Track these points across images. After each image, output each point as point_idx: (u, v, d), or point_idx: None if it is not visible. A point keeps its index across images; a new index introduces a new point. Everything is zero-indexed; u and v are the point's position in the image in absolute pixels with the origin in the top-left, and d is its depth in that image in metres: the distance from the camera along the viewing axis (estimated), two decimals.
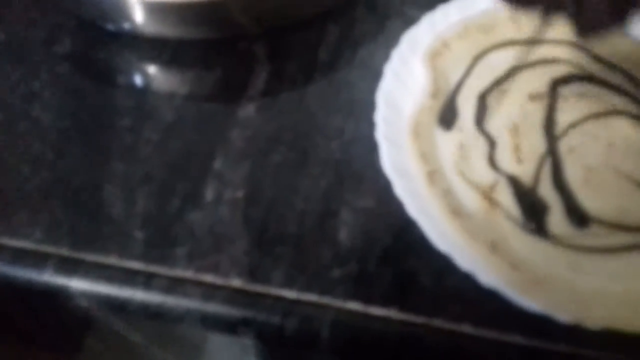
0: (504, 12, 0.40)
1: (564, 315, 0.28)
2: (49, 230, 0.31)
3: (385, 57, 0.36)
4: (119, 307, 0.29)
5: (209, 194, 0.32)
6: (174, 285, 0.29)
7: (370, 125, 0.34)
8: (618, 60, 0.38)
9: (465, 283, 0.29)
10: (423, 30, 0.38)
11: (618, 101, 0.36)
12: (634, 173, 0.34)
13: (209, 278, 0.30)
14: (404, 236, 0.31)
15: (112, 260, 0.30)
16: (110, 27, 0.39)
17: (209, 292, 0.29)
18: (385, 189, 0.32)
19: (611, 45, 0.39)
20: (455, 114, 0.36)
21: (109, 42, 0.39)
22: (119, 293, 0.29)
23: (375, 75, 0.36)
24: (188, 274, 0.30)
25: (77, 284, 0.30)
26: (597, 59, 0.38)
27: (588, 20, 0.31)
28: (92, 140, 0.35)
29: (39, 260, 0.30)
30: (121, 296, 0.29)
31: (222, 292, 0.29)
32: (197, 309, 0.29)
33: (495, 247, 0.30)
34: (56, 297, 0.30)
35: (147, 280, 0.29)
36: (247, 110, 0.36)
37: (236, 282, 0.30)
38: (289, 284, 0.30)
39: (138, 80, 0.38)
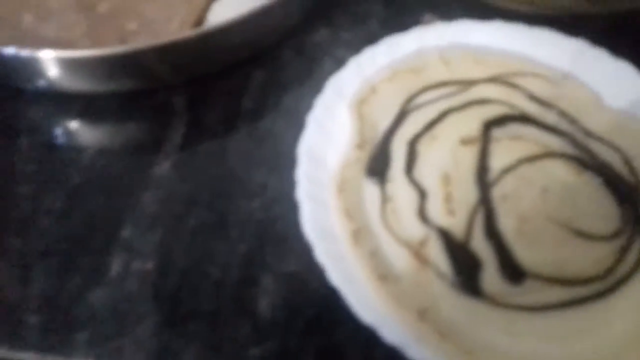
0: (433, 53, 0.38)
1: None
2: None
3: (311, 105, 0.35)
4: None
5: (115, 267, 0.30)
6: None
7: (294, 182, 0.32)
8: (552, 98, 0.37)
9: (395, 355, 0.27)
10: (349, 75, 0.37)
11: (554, 142, 0.35)
12: (570, 220, 0.32)
13: None
14: (330, 305, 0.29)
15: (1, 352, 0.27)
16: (16, 85, 0.36)
17: None
18: (310, 253, 0.30)
19: (546, 84, 0.38)
20: (385, 163, 0.34)
21: (11, 99, 0.36)
22: None
23: (301, 125, 0.34)
24: None
25: None
26: (531, 97, 0.37)
27: None
28: None
29: None
30: None
31: None
32: None
33: (424, 314, 0.28)
34: None
35: None
36: (162, 168, 0.34)
37: None
38: None
39: (41, 141, 0.35)
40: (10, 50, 0.33)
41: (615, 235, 0.32)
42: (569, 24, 0.38)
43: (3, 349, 0.27)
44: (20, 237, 0.31)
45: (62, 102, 0.36)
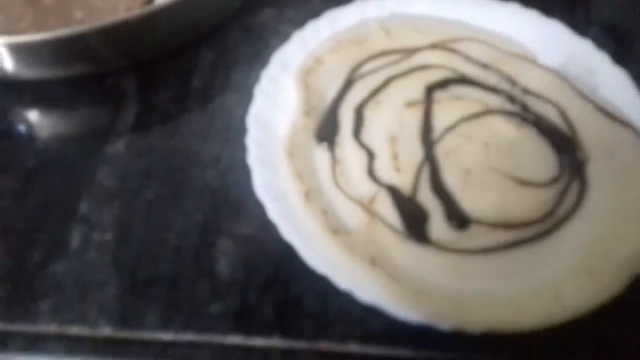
0: (374, 24, 0.40)
1: (445, 323, 0.28)
2: None
3: (258, 79, 0.36)
4: None
5: (75, 240, 0.31)
6: (34, 343, 0.28)
7: (246, 150, 0.33)
8: (491, 61, 0.40)
9: (349, 302, 0.29)
10: (293, 48, 0.38)
11: (493, 100, 0.37)
12: (511, 170, 0.34)
13: (74, 330, 0.28)
14: (285, 261, 0.31)
15: None
16: None
17: (74, 345, 0.28)
18: (264, 215, 0.31)
19: (485, 48, 0.40)
20: (334, 129, 0.36)
21: None
22: None
23: (250, 99, 0.36)
24: (51, 328, 0.28)
25: None
26: (471, 61, 0.39)
27: None
28: None
29: None
30: None
31: (88, 343, 0.28)
32: None
33: (375, 261, 0.30)
34: None
35: (3, 341, 0.27)
36: (116, 147, 0.35)
37: (105, 331, 0.28)
38: (164, 325, 0.29)
39: None
40: None
41: (553, 181, 0.34)
42: None
43: None
44: None
45: (14, 90, 0.37)
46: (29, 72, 0.37)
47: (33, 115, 0.37)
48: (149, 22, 0.37)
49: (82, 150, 0.35)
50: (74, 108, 0.37)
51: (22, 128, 0.36)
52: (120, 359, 0.28)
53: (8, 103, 0.37)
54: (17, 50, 0.36)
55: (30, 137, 0.35)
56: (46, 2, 0.42)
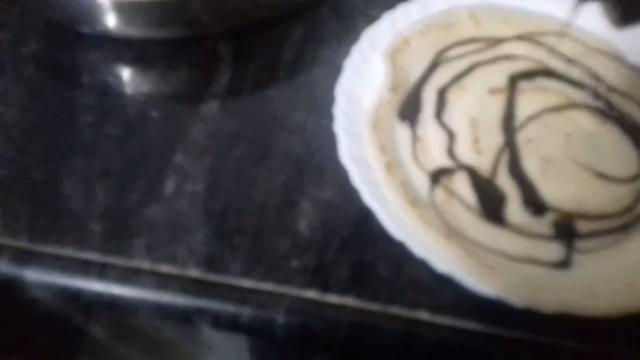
0: (464, 11, 0.41)
1: (518, 300, 0.28)
2: (8, 224, 0.32)
3: (347, 54, 0.37)
4: (72, 297, 0.29)
5: (169, 187, 0.33)
6: (128, 275, 0.29)
7: (331, 119, 0.34)
8: (577, 56, 0.39)
9: (422, 271, 0.30)
10: (383, 27, 0.39)
11: (577, 95, 0.37)
12: (590, 163, 0.34)
13: (165, 268, 0.30)
14: (362, 226, 0.31)
15: (68, 251, 0.30)
16: (76, 28, 0.39)
17: (164, 281, 0.29)
18: (345, 181, 0.32)
19: (572, 43, 0.40)
20: (417, 108, 0.36)
21: (74, 43, 0.39)
22: (72, 283, 0.29)
23: (338, 73, 0.37)
24: (145, 264, 0.30)
25: (32, 275, 0.30)
26: (557, 54, 0.39)
27: (626, 10, 0.32)
28: (53, 137, 0.35)
29: None
30: (74, 286, 0.29)
31: (177, 281, 0.29)
32: (151, 298, 0.29)
33: (451, 235, 0.31)
34: (11, 288, 0.30)
35: (100, 270, 0.29)
36: (210, 107, 0.37)
37: (193, 272, 0.30)
38: (246, 273, 0.30)
39: (102, 79, 0.38)
40: None
41: (633, 178, 0.34)
42: None
43: (71, 250, 0.31)
44: (84, 158, 0.34)
45: (119, 47, 0.39)
46: (134, 31, 0.39)
47: (135, 72, 0.39)
48: None
49: (179, 107, 0.37)
50: (173, 68, 0.38)
51: (125, 82, 0.38)
52: (206, 299, 0.29)
53: (114, 58, 0.39)
54: (124, 9, 0.38)
55: (132, 91, 0.37)
56: None
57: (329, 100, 0.35)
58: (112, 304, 0.29)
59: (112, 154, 0.34)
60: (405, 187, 0.32)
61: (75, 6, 0.38)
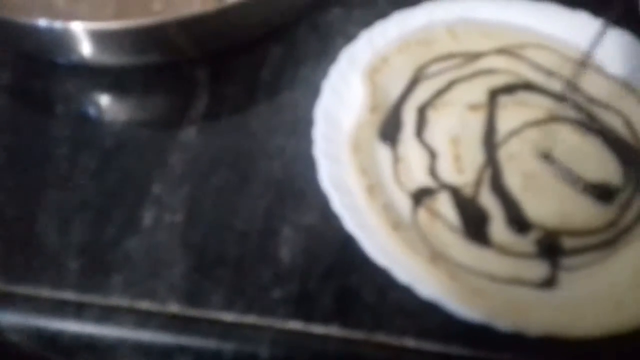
0: (442, 26, 0.40)
1: (504, 323, 0.28)
2: None
3: (326, 74, 0.37)
4: (49, 339, 0.28)
5: (147, 219, 0.32)
6: (106, 314, 0.29)
7: (311, 143, 0.34)
8: (556, 68, 0.39)
9: (407, 296, 0.29)
10: (361, 46, 0.38)
11: (558, 107, 0.37)
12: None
13: (145, 305, 0.29)
14: (346, 252, 0.31)
15: (45, 292, 0.29)
16: (51, 58, 0.39)
17: (144, 319, 0.28)
18: (327, 206, 0.32)
19: (550, 55, 0.40)
20: (397, 127, 0.36)
21: (48, 72, 0.39)
22: (49, 325, 0.29)
23: (316, 93, 0.36)
24: (123, 301, 0.29)
25: (6, 319, 0.29)
26: (537, 67, 0.39)
27: None
28: (26, 171, 0.34)
29: None
30: (51, 328, 0.28)
31: (157, 318, 0.29)
32: (131, 337, 0.28)
33: (435, 258, 0.30)
34: None
35: (77, 310, 0.29)
36: (188, 133, 0.36)
37: (173, 308, 0.29)
38: (228, 306, 0.29)
39: (76, 109, 0.37)
40: (43, 22, 0.36)
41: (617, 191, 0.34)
42: None
43: (47, 290, 0.30)
44: (59, 192, 0.33)
45: (93, 75, 0.39)
46: (109, 58, 0.39)
47: (111, 100, 0.38)
48: (224, 16, 0.38)
49: (156, 135, 0.36)
50: (149, 94, 0.38)
51: (101, 111, 0.38)
52: (187, 336, 0.28)
53: (89, 87, 0.38)
54: (99, 37, 0.37)
55: (108, 119, 0.37)
56: None
57: (309, 122, 0.35)
58: (90, 345, 0.28)
59: (88, 186, 0.33)
60: (388, 211, 0.32)
61: (48, 36, 0.37)
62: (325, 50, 0.41)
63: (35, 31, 0.37)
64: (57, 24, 0.35)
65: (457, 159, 0.34)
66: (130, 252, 0.31)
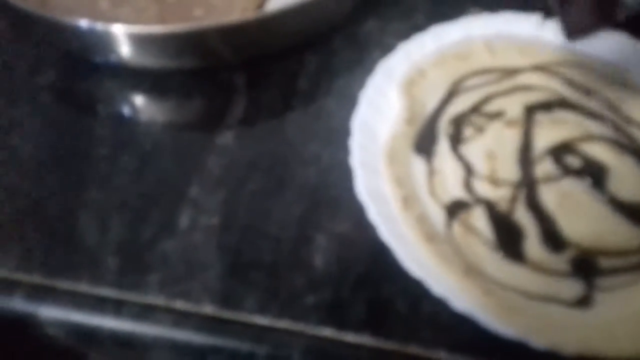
0: (479, 41, 0.41)
1: (538, 341, 0.28)
2: (23, 259, 0.31)
3: (363, 85, 0.37)
4: (87, 335, 0.29)
5: (184, 221, 0.33)
6: (144, 312, 0.29)
7: (347, 152, 0.34)
8: (594, 87, 0.39)
9: (440, 309, 0.29)
10: (398, 59, 0.39)
11: (594, 126, 0.37)
12: (610, 197, 0.34)
13: (180, 305, 0.29)
14: (379, 261, 0.31)
15: (83, 287, 0.30)
16: (93, 58, 0.40)
17: (180, 319, 0.29)
18: (361, 215, 0.32)
19: (588, 73, 0.40)
20: (433, 140, 0.36)
21: (91, 73, 0.40)
22: (87, 320, 0.29)
23: (353, 104, 0.37)
24: (159, 300, 0.30)
25: (46, 312, 0.30)
26: (574, 85, 0.39)
27: (574, 22, 0.32)
28: (68, 169, 0.35)
29: (8, 288, 0.30)
30: (90, 323, 0.29)
31: (193, 318, 0.29)
32: (167, 336, 0.29)
33: (469, 272, 0.30)
34: (25, 325, 0.30)
35: (117, 307, 0.29)
36: (225, 138, 0.37)
37: (208, 309, 0.29)
38: (261, 310, 0.30)
39: (117, 110, 0.38)
40: (84, 24, 0.37)
41: None
42: None
43: (86, 285, 0.30)
44: (99, 191, 0.34)
45: (134, 77, 0.40)
46: (149, 61, 0.40)
47: (151, 102, 0.39)
48: (264, 25, 0.39)
49: (194, 139, 0.37)
50: (188, 98, 0.38)
51: (140, 113, 0.38)
52: (221, 338, 0.29)
53: (129, 88, 0.39)
54: (139, 40, 0.38)
55: (147, 121, 0.38)
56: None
57: (345, 132, 0.35)
58: (127, 342, 0.29)
59: (127, 186, 0.34)
60: (422, 223, 0.32)
61: (90, 37, 0.38)
62: (361, 61, 0.42)
63: (77, 32, 0.38)
64: (99, 26, 0.36)
65: (492, 173, 0.34)
66: (166, 253, 0.31)
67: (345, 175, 0.34)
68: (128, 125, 0.37)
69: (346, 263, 0.31)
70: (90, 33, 0.38)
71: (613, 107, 0.38)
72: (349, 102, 0.38)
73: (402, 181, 0.34)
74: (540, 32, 0.41)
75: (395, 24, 0.45)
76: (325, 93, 0.40)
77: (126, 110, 0.38)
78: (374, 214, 0.31)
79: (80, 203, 0.33)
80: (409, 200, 0.33)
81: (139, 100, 0.39)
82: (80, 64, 0.39)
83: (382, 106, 0.37)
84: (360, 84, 0.39)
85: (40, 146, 0.36)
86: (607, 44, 0.40)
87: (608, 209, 0.33)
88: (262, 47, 0.41)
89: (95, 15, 0.43)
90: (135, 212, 0.33)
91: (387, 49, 0.42)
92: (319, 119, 0.38)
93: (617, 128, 0.37)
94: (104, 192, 0.34)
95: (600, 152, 0.36)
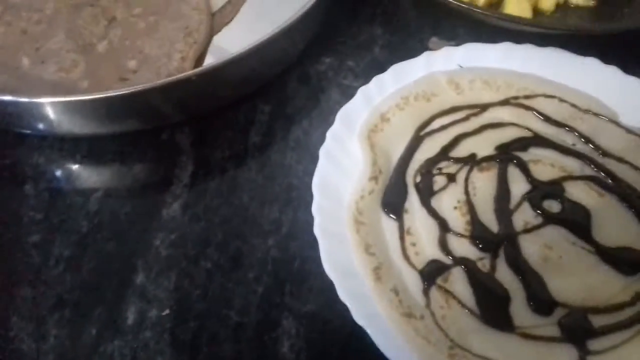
0: (442, 77, 0.39)
1: None
2: None
3: (322, 134, 0.35)
4: None
5: (131, 315, 0.30)
6: None
7: (309, 214, 0.32)
8: (567, 119, 0.38)
9: None
10: (358, 105, 0.37)
11: (572, 163, 0.36)
12: (595, 246, 0.32)
13: None
14: (354, 344, 0.29)
15: None
16: (15, 130, 0.36)
17: None
18: (330, 289, 0.30)
19: (559, 104, 0.39)
20: (402, 196, 0.34)
21: (14, 145, 0.36)
22: None
23: (312, 156, 0.35)
24: None
25: None
26: (546, 118, 0.38)
27: None
28: None
29: None
30: None
31: None
32: None
33: (455, 352, 0.28)
34: None
35: None
36: (172, 209, 0.34)
37: None
38: None
39: (48, 186, 0.35)
40: (6, 98, 0.33)
41: None
42: (577, 43, 0.39)
43: None
44: (32, 287, 0.31)
45: (65, 146, 0.37)
46: (80, 128, 0.37)
47: (85, 172, 0.36)
48: (211, 76, 0.36)
49: (137, 212, 0.34)
50: (127, 164, 0.36)
51: (74, 185, 0.35)
52: None
53: (59, 159, 0.36)
54: (69, 108, 0.35)
55: (83, 195, 0.35)
56: (100, 51, 0.41)
57: (305, 189, 0.33)
58: None
59: (63, 279, 0.31)
60: (399, 296, 0.30)
61: (14, 107, 0.35)
62: (318, 104, 0.40)
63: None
64: (23, 99, 0.33)
65: (468, 227, 0.33)
66: (113, 358, 0.28)
67: (308, 244, 0.31)
68: (61, 204, 0.34)
69: (317, 349, 0.29)
70: (9, 104, 0.35)
71: (589, 140, 0.37)
72: (308, 154, 0.36)
73: (371, 248, 0.32)
74: (505, 62, 0.39)
75: (351, 61, 0.43)
76: (280, 145, 0.38)
77: (58, 186, 0.35)
78: (344, 293, 0.29)
79: (10, 305, 0.30)
80: (381, 270, 0.31)
81: (71, 173, 0.36)
82: (2, 137, 0.36)
83: (343, 161, 0.35)
84: (318, 131, 0.37)
85: None
86: (577, 72, 0.39)
87: (595, 259, 0.32)
88: (208, 101, 0.39)
89: (16, 76, 0.40)
90: (75, 309, 0.30)
91: (345, 90, 0.40)
92: (276, 177, 0.36)
93: (595, 164, 0.35)
94: (37, 288, 0.30)
95: (579, 193, 0.34)
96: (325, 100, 0.40)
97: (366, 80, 0.38)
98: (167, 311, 0.30)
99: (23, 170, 0.35)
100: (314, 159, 0.34)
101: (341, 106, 0.36)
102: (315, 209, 0.32)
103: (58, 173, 0.36)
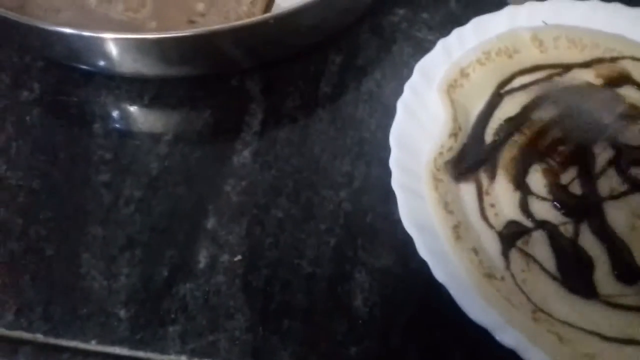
0: (526, 34, 0.38)
1: None
2: (21, 312, 0.29)
3: (396, 87, 0.34)
4: None
5: (202, 259, 0.30)
6: None
7: (383, 168, 0.32)
8: None
9: (507, 357, 0.27)
10: (437, 58, 0.36)
11: None
12: None
13: None
14: (431, 303, 0.29)
15: (92, 345, 0.28)
16: (82, 66, 0.36)
17: None
18: (405, 246, 0.30)
19: None
20: (480, 155, 0.34)
21: (82, 83, 0.37)
22: None
23: (385, 110, 0.34)
24: (182, 359, 0.27)
25: None
26: (633, 83, 0.36)
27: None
28: (66, 201, 0.32)
29: (7, 348, 0.28)
30: None
31: None
32: None
33: (537, 314, 0.28)
34: None
35: None
36: (242, 156, 0.34)
37: None
38: None
39: (116, 127, 0.35)
40: (69, 31, 0.33)
41: None
42: None
43: (95, 343, 0.28)
44: (102, 226, 0.31)
45: (133, 87, 0.37)
46: (148, 70, 0.36)
47: (154, 115, 0.36)
48: (282, 22, 0.35)
49: (207, 158, 0.34)
50: (196, 109, 0.36)
51: (143, 128, 0.36)
52: None
53: (129, 101, 0.36)
54: (134, 47, 0.35)
55: (152, 138, 0.35)
56: None
57: (377, 143, 0.33)
58: None
59: (134, 220, 0.31)
60: (478, 255, 0.30)
61: (76, 41, 0.35)
62: (391, 57, 0.39)
63: (61, 38, 0.35)
64: (85, 33, 0.33)
65: (551, 191, 0.32)
66: (185, 299, 0.29)
67: (383, 197, 0.31)
68: (129, 146, 0.34)
69: (392, 305, 0.29)
70: (77, 37, 0.34)
71: None
72: (380, 107, 0.35)
73: (450, 206, 0.31)
74: (592, 20, 0.38)
75: (425, 14, 0.42)
76: (352, 97, 0.37)
77: (126, 128, 0.36)
78: (423, 249, 0.29)
79: (82, 242, 0.30)
80: (460, 228, 0.31)
81: (139, 115, 0.36)
82: (69, 74, 0.36)
83: (421, 115, 0.34)
84: (391, 84, 0.36)
85: (31, 174, 0.33)
86: None
87: None
88: (279, 47, 0.38)
89: (82, 13, 0.40)
90: (146, 250, 0.30)
91: (419, 43, 0.40)
92: (347, 129, 0.35)
93: None
94: (108, 228, 0.31)
95: None
96: (398, 53, 0.39)
97: (441, 33, 0.37)
98: (239, 257, 0.30)
99: (92, 109, 0.36)
100: (387, 113, 0.33)
101: (414, 59, 0.35)
102: (393, 162, 0.32)
103: (126, 114, 0.36)
